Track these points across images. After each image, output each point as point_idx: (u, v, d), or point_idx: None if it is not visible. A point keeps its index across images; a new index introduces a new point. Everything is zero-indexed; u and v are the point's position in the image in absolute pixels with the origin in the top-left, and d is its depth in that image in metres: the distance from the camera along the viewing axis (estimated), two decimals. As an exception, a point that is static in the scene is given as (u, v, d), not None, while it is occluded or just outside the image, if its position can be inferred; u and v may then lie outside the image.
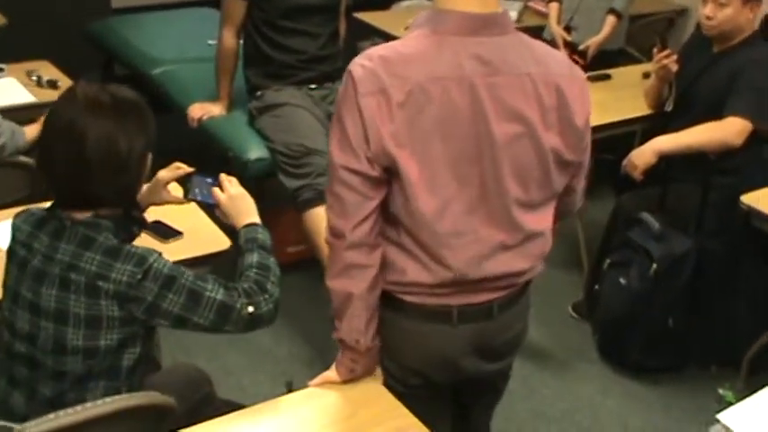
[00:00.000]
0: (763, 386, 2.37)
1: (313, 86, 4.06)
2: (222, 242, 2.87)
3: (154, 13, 5.60)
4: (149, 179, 2.44)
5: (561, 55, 2.11)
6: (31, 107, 3.88)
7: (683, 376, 3.84)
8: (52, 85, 4.03)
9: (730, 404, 2.37)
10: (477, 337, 2.18)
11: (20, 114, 3.88)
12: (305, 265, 4.29)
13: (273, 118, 3.94)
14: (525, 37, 2.05)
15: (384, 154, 1.93)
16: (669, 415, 3.64)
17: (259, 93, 4.05)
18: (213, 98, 4.25)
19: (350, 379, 2.22)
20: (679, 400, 3.71)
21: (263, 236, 2.38)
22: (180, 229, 2.91)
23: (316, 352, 3.86)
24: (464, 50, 1.94)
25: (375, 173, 1.95)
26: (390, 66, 1.91)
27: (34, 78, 4.06)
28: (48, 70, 4.20)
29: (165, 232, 2.89)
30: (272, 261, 2.33)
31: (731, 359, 3.76)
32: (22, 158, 3.46)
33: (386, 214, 2.03)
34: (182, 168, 2.52)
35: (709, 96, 3.72)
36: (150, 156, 2.22)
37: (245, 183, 3.97)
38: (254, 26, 4.03)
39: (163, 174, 2.51)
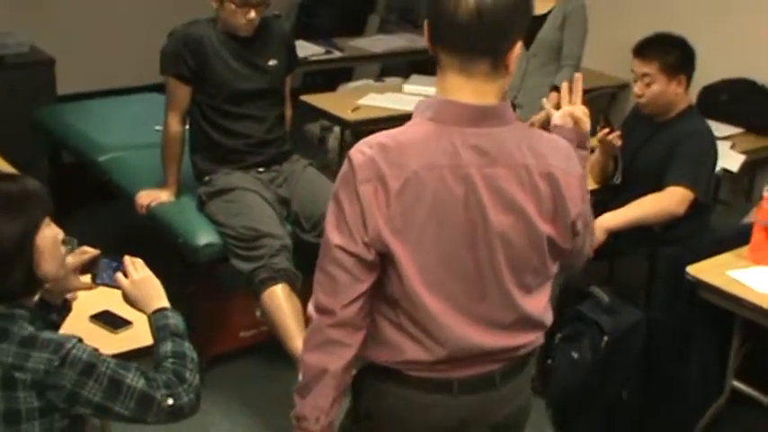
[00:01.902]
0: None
1: (261, 170, 4.07)
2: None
3: (100, 100, 5.60)
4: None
5: (561, 146, 2.12)
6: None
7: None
8: (-3, 176, 3.98)
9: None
10: (478, 410, 2.17)
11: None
12: (258, 350, 4.27)
13: (224, 203, 3.93)
14: (524, 127, 2.09)
15: (380, 239, 1.97)
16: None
17: (207, 178, 4.05)
18: (161, 184, 4.24)
19: None
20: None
21: (175, 320, 2.35)
22: (129, 318, 2.87)
23: (271, 435, 3.81)
24: (462, 140, 1.97)
25: (370, 257, 1.99)
26: (389, 154, 1.95)
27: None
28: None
29: (113, 322, 2.85)
30: (186, 347, 2.30)
31: (682, 427, 3.77)
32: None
33: (383, 295, 2.05)
34: (87, 252, 2.44)
35: (651, 167, 3.81)
36: (40, 239, 2.17)
37: (194, 268, 4.01)
38: (199, 111, 4.05)
39: (69, 259, 2.39)
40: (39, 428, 2.12)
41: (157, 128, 5.00)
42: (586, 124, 2.36)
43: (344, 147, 5.61)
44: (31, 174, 4.44)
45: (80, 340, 2.15)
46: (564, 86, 2.43)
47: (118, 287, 2.41)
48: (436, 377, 2.11)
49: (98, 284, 2.46)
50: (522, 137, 2.04)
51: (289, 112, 4.30)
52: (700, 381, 3.77)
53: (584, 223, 2.18)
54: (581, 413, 3.79)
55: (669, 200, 3.64)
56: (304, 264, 3.86)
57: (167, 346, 2.28)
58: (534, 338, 2.20)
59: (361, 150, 1.98)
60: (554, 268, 2.16)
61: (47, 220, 2.22)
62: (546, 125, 2.68)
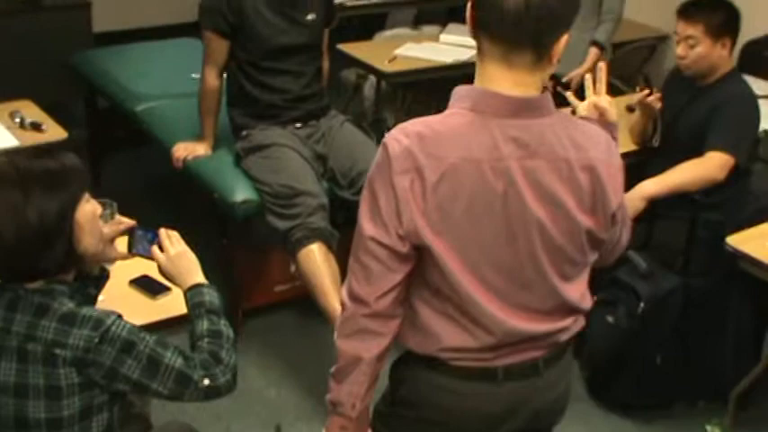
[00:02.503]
0: (750, 422, 2.37)
1: (298, 125, 4.04)
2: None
3: (136, 45, 5.56)
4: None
5: (602, 138, 2.08)
6: (15, 151, 3.87)
7: (672, 413, 3.85)
8: (36, 127, 3.99)
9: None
10: (521, 397, 2.17)
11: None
12: (292, 304, 4.31)
13: (262, 159, 3.92)
14: (565, 118, 2.05)
15: (415, 233, 1.94)
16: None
17: (245, 132, 4.03)
18: (197, 135, 4.23)
19: None
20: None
21: (210, 297, 2.35)
22: (168, 284, 2.88)
23: (306, 392, 3.84)
24: (502, 132, 1.94)
25: (404, 249, 1.96)
26: (426, 144, 1.91)
27: (17, 120, 4.02)
28: (30, 111, 4.16)
29: (152, 287, 2.87)
30: (222, 324, 2.30)
31: (719, 395, 3.77)
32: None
33: (425, 283, 2.04)
34: (123, 223, 2.43)
35: (690, 131, 3.75)
36: (80, 214, 2.17)
37: (232, 223, 4.02)
38: (237, 66, 4.02)
39: (105, 230, 2.37)
40: (79, 403, 2.15)
41: (194, 75, 4.96)
42: (612, 114, 2.32)
43: (381, 97, 5.57)
44: (67, 118, 4.54)
45: (119, 316, 2.16)
46: (588, 77, 2.39)
47: (153, 259, 2.41)
48: (480, 366, 2.11)
49: (134, 255, 2.46)
50: (562, 129, 2.00)
51: (326, 65, 4.27)
52: (735, 347, 3.77)
53: (623, 214, 2.16)
54: (615, 376, 3.80)
55: (709, 166, 3.59)
56: (340, 221, 3.88)
57: (203, 325, 2.29)
58: (573, 322, 2.19)
59: (398, 139, 1.94)
60: (592, 257, 2.14)
61: (86, 195, 2.22)
62: (580, 85, 2.66)
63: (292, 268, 3.96)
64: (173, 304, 2.78)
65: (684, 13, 3.72)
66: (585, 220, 2.03)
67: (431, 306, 2.06)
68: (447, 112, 2.00)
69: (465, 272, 1.99)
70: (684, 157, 3.67)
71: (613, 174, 2.05)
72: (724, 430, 3.67)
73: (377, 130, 5.26)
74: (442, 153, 1.92)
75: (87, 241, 2.22)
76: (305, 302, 4.01)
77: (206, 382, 2.18)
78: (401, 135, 1.95)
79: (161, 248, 2.39)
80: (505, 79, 1.95)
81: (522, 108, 1.96)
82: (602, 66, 2.39)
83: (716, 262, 3.64)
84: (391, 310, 2.04)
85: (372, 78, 5.59)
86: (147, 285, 2.87)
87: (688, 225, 3.68)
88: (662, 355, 3.70)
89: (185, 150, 4.18)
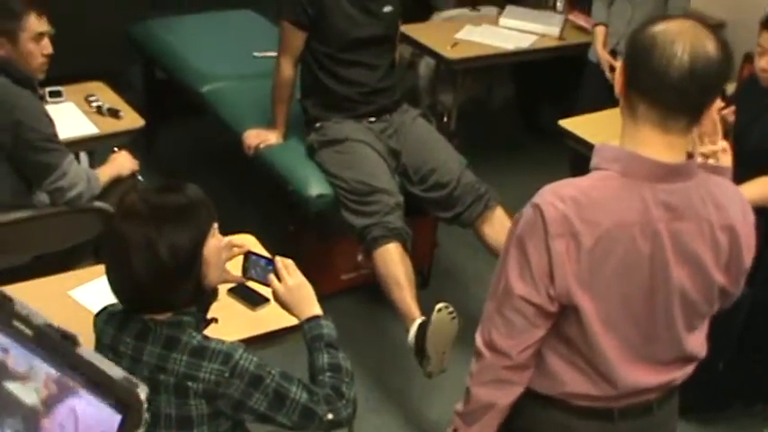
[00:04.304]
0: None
1: (372, 119, 4.08)
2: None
3: (194, 17, 5.54)
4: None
5: (738, 196, 2.14)
6: (95, 139, 3.91)
7: (730, 415, 3.92)
8: (114, 114, 4.02)
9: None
10: None
11: (82, 145, 3.93)
12: (357, 291, 4.39)
13: (336, 153, 3.96)
14: (707, 180, 2.09)
15: (567, 294, 2.01)
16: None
17: (318, 124, 4.07)
18: (264, 119, 4.27)
19: None
20: (727, 441, 3.82)
21: (328, 329, 2.41)
22: (267, 295, 2.94)
23: (374, 383, 3.93)
24: (653, 196, 1.99)
25: (553, 308, 2.04)
26: (582, 210, 1.97)
27: (94, 106, 4.05)
28: (105, 94, 4.18)
29: (252, 298, 2.92)
30: (341, 357, 2.37)
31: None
32: (98, 204, 3.50)
33: (557, 332, 2.10)
34: (237, 248, 2.47)
35: (763, 144, 3.74)
36: (207, 249, 2.22)
37: (300, 212, 4.07)
38: (312, 57, 4.05)
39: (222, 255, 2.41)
40: (207, 431, 2.23)
41: (256, 54, 5.03)
42: (727, 160, 2.37)
43: (438, 78, 5.58)
44: (126, 88, 4.56)
45: (245, 350, 2.22)
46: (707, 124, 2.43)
47: (268, 285, 2.46)
48: (598, 406, 2.19)
49: (248, 279, 2.52)
50: (705, 190, 2.06)
51: (397, 57, 4.29)
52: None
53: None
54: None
55: None
56: (409, 215, 3.93)
57: (324, 359, 2.35)
58: (688, 371, 2.26)
59: (553, 204, 1.99)
60: (717, 308, 2.21)
61: (213, 228, 2.27)
62: None
63: (359, 257, 4.03)
64: (271, 317, 2.84)
65: None
66: (720, 278, 2.10)
67: (558, 354, 2.14)
68: (596, 174, 2.05)
69: (603, 328, 2.06)
70: (755, 169, 3.69)
71: (748, 232, 2.12)
72: (782, 434, 3.76)
73: (434, 113, 5.30)
74: (597, 219, 1.97)
75: (213, 274, 2.28)
76: (370, 289, 4.10)
77: (330, 416, 2.26)
78: (556, 199, 2.00)
79: (278, 277, 2.43)
80: (659, 143, 1.99)
81: (671, 173, 2.01)
82: (724, 114, 2.41)
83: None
84: (530, 361, 2.12)
85: (428, 58, 5.59)
86: (246, 295, 2.92)
87: (760, 238, 3.71)
88: (725, 361, 3.77)
89: (257, 138, 4.21)
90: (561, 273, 1.99)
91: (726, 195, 2.10)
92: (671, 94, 1.94)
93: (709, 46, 1.92)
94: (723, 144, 2.41)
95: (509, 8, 5.57)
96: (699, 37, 1.93)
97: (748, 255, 2.13)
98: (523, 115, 6.27)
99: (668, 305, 2.08)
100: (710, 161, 2.37)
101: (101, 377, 0.92)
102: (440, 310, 3.44)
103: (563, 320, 2.08)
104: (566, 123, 4.26)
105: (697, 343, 2.22)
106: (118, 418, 0.93)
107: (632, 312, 2.07)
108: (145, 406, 0.91)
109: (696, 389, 3.75)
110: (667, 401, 2.29)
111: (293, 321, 2.64)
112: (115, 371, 0.92)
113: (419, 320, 3.54)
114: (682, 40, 1.92)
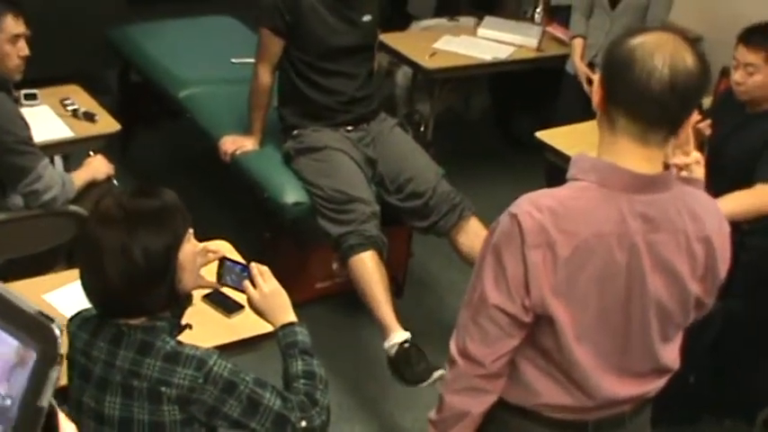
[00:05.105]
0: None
1: (349, 128, 4.08)
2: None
3: (171, 22, 5.53)
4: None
5: (713, 207, 2.16)
6: (70, 142, 3.89)
7: (700, 429, 3.93)
8: (89, 117, 4.00)
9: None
10: None
11: (57, 149, 3.91)
12: (331, 300, 4.38)
13: (314, 161, 3.96)
14: (683, 191, 2.10)
15: (542, 304, 2.01)
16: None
17: (296, 132, 4.06)
18: (241, 125, 4.26)
19: None
20: (696, 455, 3.84)
21: (302, 336, 2.40)
22: (242, 302, 2.93)
23: (347, 390, 3.92)
24: (630, 208, 2.00)
25: (527, 318, 2.03)
26: (559, 220, 1.97)
27: (70, 109, 4.03)
28: (81, 98, 4.16)
29: (226, 305, 2.90)
30: (315, 365, 2.36)
31: (746, 415, 3.87)
32: (72, 207, 3.48)
33: (532, 343, 2.10)
34: (212, 253, 2.44)
35: (739, 159, 3.76)
36: (182, 254, 2.22)
37: (276, 219, 4.07)
38: (291, 64, 4.04)
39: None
40: None
41: (234, 60, 5.02)
42: (700, 172, 2.39)
43: (416, 88, 5.59)
44: (102, 91, 4.54)
45: (219, 356, 2.22)
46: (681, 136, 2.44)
47: (243, 291, 2.44)
48: (573, 419, 2.19)
49: (222, 285, 2.50)
50: (682, 202, 2.07)
51: (375, 66, 4.29)
52: (768, 369, 3.87)
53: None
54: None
55: (759, 199, 3.61)
56: (385, 225, 3.93)
57: (297, 366, 2.34)
58: (662, 383, 2.27)
59: (531, 214, 1.99)
60: (692, 318, 2.21)
61: (188, 234, 2.26)
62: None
63: (334, 266, 4.03)
64: (247, 323, 2.83)
65: (746, 40, 3.71)
66: (696, 288, 2.11)
67: (534, 364, 2.14)
68: (574, 185, 2.05)
69: (578, 339, 2.06)
70: (730, 184, 3.72)
71: (724, 244, 2.13)
72: (750, 450, 3.78)
73: (411, 122, 5.31)
74: (574, 229, 1.97)
75: (187, 279, 2.28)
76: (344, 298, 4.10)
77: (303, 423, 2.25)
78: (532, 209, 1.99)
79: (253, 283, 2.41)
80: (637, 156, 2.00)
81: (650, 185, 2.02)
82: (700, 127, 2.42)
83: (756, 287, 3.71)
84: (503, 370, 2.12)
85: (405, 67, 5.60)
86: (221, 302, 2.90)
87: (732, 252, 3.74)
88: (696, 375, 3.79)
89: (233, 144, 4.21)
90: (537, 283, 1.99)
91: (702, 207, 2.11)
92: (652, 108, 1.95)
93: (689, 59, 1.93)
94: (697, 156, 2.42)
95: (487, 19, 5.58)
96: (678, 50, 1.94)
97: (723, 266, 2.14)
98: (500, 126, 6.29)
99: (644, 316, 2.08)
100: (683, 173, 2.37)
101: (12, 311, 0.90)
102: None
103: (538, 331, 2.08)
104: (543, 135, 4.27)
105: (672, 355, 2.23)
106: (32, 354, 0.91)
107: (608, 323, 2.07)
108: (59, 341, 0.90)
109: (667, 401, 3.79)
110: (640, 414, 2.29)
111: (268, 328, 2.63)
112: (27, 305, 0.90)
113: (398, 338, 3.56)
114: (661, 53, 1.92)
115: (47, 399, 0.91)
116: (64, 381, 2.35)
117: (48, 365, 0.90)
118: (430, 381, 3.49)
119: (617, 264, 2.01)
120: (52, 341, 0.90)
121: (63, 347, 0.92)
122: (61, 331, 0.90)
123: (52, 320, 0.89)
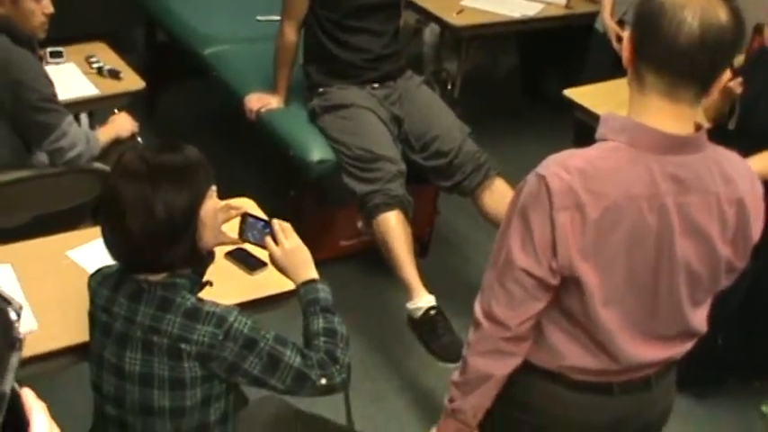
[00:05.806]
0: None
1: (376, 86, 4.03)
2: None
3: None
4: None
5: (745, 167, 2.10)
6: (95, 100, 3.88)
7: (726, 391, 3.92)
8: (114, 75, 3.99)
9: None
10: (633, 410, 2.24)
11: (82, 106, 3.90)
12: (356, 258, 4.39)
13: (340, 119, 3.92)
14: (715, 152, 2.05)
15: (570, 266, 1.97)
16: (715, 430, 3.74)
17: (321, 90, 4.03)
18: (266, 83, 4.23)
19: None
20: (723, 416, 3.81)
21: (324, 293, 2.39)
22: (264, 259, 2.92)
23: (371, 349, 3.94)
24: (660, 169, 1.95)
25: (554, 281, 2.00)
26: (588, 181, 1.93)
27: (95, 66, 4.02)
28: (106, 55, 4.15)
29: (249, 262, 2.88)
30: (337, 322, 2.36)
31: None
32: (97, 165, 3.48)
33: (558, 305, 2.08)
34: (234, 209, 2.45)
35: (768, 118, 3.73)
36: (204, 211, 2.20)
37: (301, 177, 4.05)
38: (316, 22, 4.00)
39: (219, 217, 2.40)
40: (200, 394, 2.23)
41: (259, 18, 4.99)
42: None
43: (443, 46, 5.54)
44: (128, 49, 4.53)
45: (239, 312, 2.21)
46: None
47: (265, 248, 2.43)
48: (598, 381, 2.17)
49: (244, 241, 2.50)
50: (714, 163, 2.02)
51: (402, 23, 4.25)
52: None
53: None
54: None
55: None
56: (410, 183, 3.90)
57: (319, 323, 2.34)
58: (689, 347, 2.25)
59: (559, 175, 1.94)
60: (725, 284, 2.18)
61: (210, 190, 2.25)
62: None
63: (359, 224, 4.01)
64: (269, 281, 2.81)
65: None
66: (726, 251, 2.07)
67: (559, 327, 2.11)
68: (603, 145, 2.00)
69: (605, 302, 2.03)
70: (761, 142, 3.66)
71: (756, 204, 2.08)
72: (778, 411, 3.75)
73: (438, 80, 5.26)
74: (603, 190, 1.93)
75: (208, 236, 2.27)
76: (369, 256, 4.08)
77: (323, 381, 2.25)
78: (561, 170, 1.95)
79: (275, 240, 2.41)
80: (667, 113, 1.95)
81: (680, 145, 1.97)
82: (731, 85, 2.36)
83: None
84: (528, 333, 2.10)
85: (433, 25, 5.55)
86: (243, 259, 2.88)
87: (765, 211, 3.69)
88: (724, 335, 3.76)
89: (259, 102, 4.18)
90: (564, 246, 1.95)
91: (734, 168, 2.06)
92: (680, 62, 1.90)
93: (722, 13, 1.87)
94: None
95: (516, -25, 5.51)
96: (711, 4, 1.88)
97: (757, 227, 2.09)
98: (528, 84, 6.23)
99: (673, 279, 2.05)
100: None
101: None
102: None
103: (564, 293, 2.06)
104: (571, 93, 4.22)
105: (700, 319, 2.19)
106: None
107: (636, 286, 2.04)
108: (17, 325, 0.87)
109: (693, 363, 3.74)
110: (665, 376, 2.27)
111: (291, 286, 2.62)
112: None
113: (423, 302, 3.54)
114: (692, 6, 1.87)
115: (9, 384, 0.88)
116: (86, 337, 2.37)
117: (7, 350, 0.87)
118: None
119: (647, 226, 1.97)
120: (9, 325, 0.87)
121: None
122: (19, 315, 0.87)
123: (9, 303, 0.86)
